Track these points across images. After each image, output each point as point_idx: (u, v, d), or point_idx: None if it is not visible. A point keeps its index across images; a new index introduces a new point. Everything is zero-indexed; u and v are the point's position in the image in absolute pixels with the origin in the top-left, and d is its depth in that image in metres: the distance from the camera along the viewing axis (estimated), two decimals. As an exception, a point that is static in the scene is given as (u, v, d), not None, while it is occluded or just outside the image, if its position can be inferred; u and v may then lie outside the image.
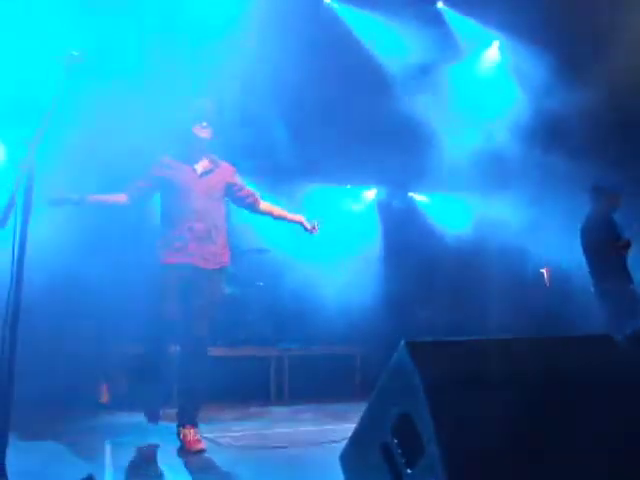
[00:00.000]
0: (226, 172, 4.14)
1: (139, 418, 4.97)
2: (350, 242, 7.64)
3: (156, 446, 4.19)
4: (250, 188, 4.30)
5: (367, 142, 7.87)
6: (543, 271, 7.47)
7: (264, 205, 4.29)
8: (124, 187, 4.04)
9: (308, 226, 4.23)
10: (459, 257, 7.82)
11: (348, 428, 2.68)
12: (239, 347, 6.48)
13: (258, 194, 4.32)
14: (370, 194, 8.95)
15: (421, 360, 2.09)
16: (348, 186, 8.72)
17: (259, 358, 6.64)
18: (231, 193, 4.17)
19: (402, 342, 2.19)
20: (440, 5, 7.44)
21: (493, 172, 7.39)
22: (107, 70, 5.20)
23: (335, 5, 7.20)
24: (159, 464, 3.69)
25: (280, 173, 7.55)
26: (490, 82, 7.88)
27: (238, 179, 4.22)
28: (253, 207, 4.25)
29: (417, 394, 2.04)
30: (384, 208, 8.82)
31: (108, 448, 3.98)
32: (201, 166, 4.02)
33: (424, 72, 7.30)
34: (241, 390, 6.35)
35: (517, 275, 7.43)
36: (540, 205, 7.19)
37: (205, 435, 4.42)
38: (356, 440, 2.55)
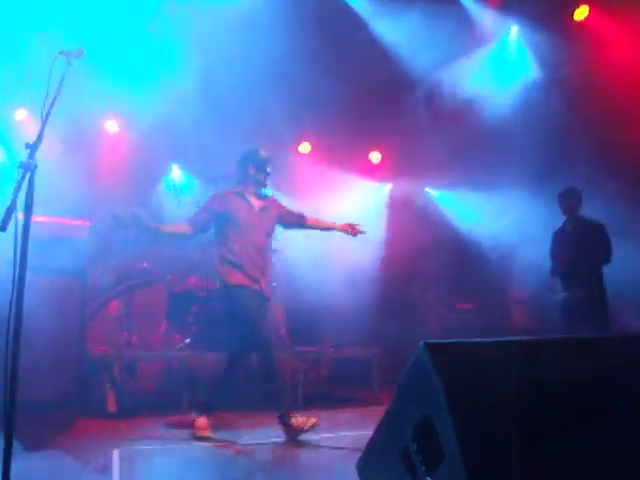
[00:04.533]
0: (274, 205, 4.88)
1: (146, 426, 5.00)
2: (362, 240, 7.58)
3: (164, 453, 4.20)
4: (293, 209, 5.01)
5: (386, 137, 8.02)
6: None
7: (311, 221, 5.05)
8: (187, 219, 4.67)
9: (350, 230, 5.05)
10: (478, 257, 7.81)
11: (365, 435, 2.65)
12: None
13: (302, 213, 5.03)
14: (385, 189, 8.97)
15: (441, 362, 2.09)
16: (362, 179, 8.72)
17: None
18: (281, 221, 4.94)
19: (421, 343, 2.19)
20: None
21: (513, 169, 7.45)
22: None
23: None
24: (167, 471, 3.70)
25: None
26: (510, 70, 7.91)
27: (283, 205, 4.97)
28: (302, 226, 5.03)
29: (438, 397, 2.04)
30: (398, 204, 8.80)
31: (116, 457, 3.99)
32: (257, 204, 4.76)
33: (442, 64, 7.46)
34: (254, 397, 6.34)
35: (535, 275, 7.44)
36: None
37: (216, 443, 4.43)
38: (374, 447, 2.52)
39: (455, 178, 8.13)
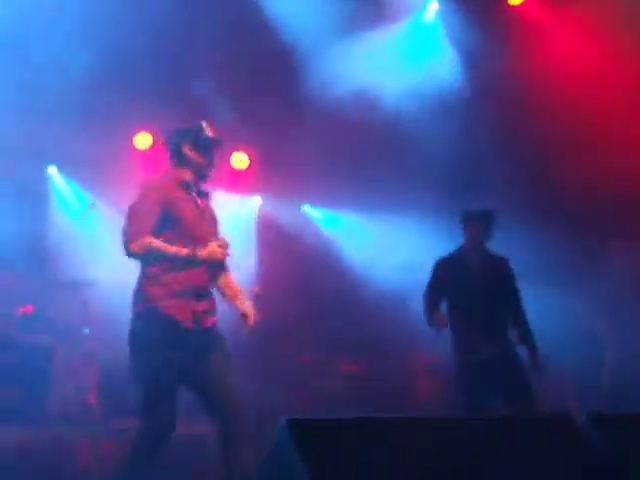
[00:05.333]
0: (215, 215, 4.64)
1: None
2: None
3: None
4: None
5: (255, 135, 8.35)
6: None
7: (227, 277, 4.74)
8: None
9: (248, 321, 4.63)
10: (370, 301, 8.18)
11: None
12: (48, 426, 6.37)
13: None
14: (253, 205, 9.19)
15: (306, 444, 2.25)
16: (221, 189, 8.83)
17: (75, 443, 6.37)
18: None
19: (283, 420, 2.36)
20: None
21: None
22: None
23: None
24: None
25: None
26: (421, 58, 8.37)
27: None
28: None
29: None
30: (268, 225, 8.96)
31: None
32: (199, 201, 4.54)
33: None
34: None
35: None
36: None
37: None
38: None
39: (341, 194, 8.46)
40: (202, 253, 4.23)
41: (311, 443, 2.26)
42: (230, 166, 9.00)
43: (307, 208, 9.36)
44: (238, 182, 8.98)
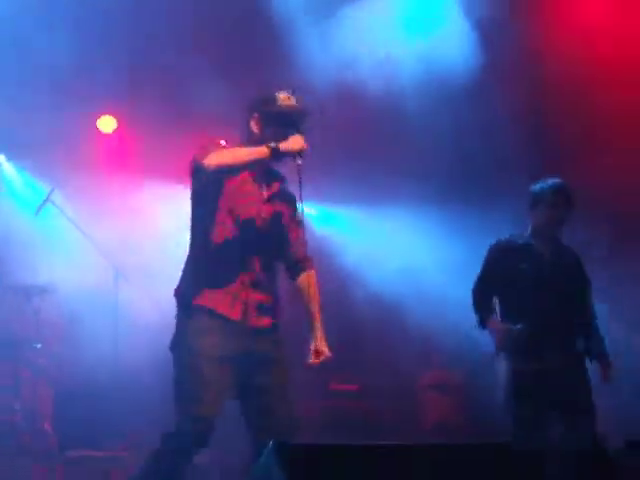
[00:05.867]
0: (286, 201, 4.29)
1: None
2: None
3: None
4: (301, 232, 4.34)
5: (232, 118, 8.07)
6: None
7: (305, 277, 4.27)
8: None
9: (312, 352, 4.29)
10: (367, 309, 7.92)
11: None
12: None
13: (307, 253, 4.33)
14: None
15: (293, 469, 2.43)
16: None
17: (29, 475, 6.24)
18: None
19: (270, 443, 2.59)
20: None
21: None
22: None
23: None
24: None
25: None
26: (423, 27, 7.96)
27: (297, 214, 4.34)
28: (288, 269, 4.34)
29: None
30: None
31: None
32: (265, 188, 4.24)
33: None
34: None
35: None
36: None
37: None
38: None
39: (338, 189, 8.23)
40: (284, 145, 3.83)
41: (297, 467, 2.45)
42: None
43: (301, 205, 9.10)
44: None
